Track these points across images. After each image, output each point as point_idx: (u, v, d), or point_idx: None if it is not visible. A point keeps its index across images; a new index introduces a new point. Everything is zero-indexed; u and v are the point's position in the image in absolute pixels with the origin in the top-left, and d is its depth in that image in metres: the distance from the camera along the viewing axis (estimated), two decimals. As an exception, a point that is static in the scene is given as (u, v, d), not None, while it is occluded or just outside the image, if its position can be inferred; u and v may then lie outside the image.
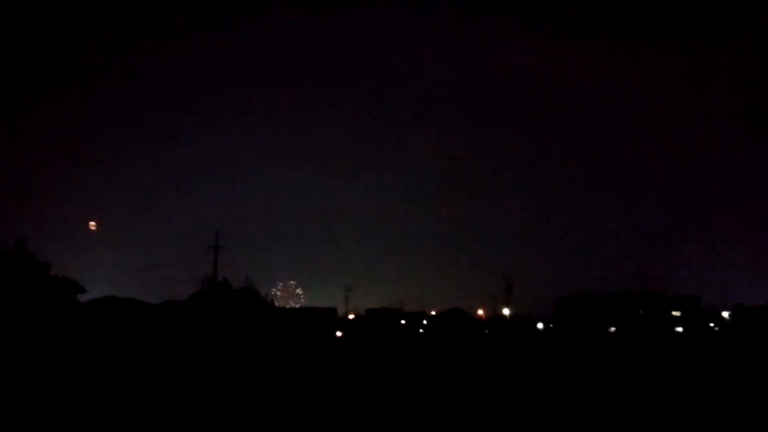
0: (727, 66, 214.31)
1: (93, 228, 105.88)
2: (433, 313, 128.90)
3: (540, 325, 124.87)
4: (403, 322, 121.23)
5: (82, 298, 58.34)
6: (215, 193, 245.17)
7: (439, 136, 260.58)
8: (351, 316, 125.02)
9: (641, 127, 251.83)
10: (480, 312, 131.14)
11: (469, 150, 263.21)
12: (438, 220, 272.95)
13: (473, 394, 20.41)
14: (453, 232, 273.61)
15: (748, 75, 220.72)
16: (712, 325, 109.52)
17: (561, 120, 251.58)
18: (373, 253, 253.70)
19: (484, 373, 29.73)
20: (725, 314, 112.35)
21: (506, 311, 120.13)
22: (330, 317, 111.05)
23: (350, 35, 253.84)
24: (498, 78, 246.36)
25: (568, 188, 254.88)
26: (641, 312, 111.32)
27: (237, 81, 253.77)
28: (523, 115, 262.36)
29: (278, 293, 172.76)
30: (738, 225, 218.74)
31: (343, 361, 38.90)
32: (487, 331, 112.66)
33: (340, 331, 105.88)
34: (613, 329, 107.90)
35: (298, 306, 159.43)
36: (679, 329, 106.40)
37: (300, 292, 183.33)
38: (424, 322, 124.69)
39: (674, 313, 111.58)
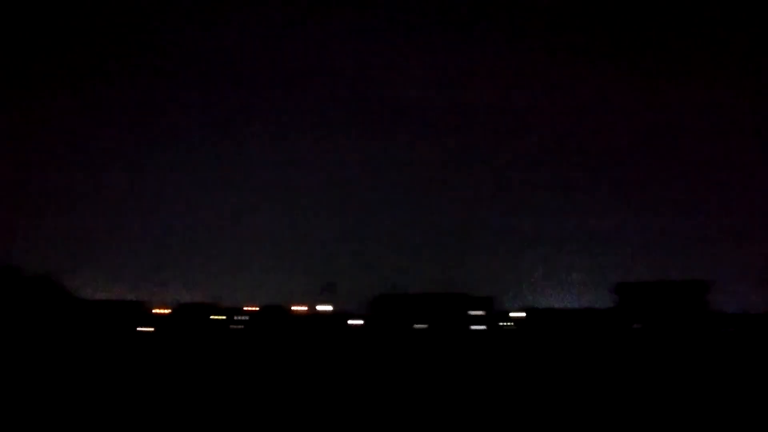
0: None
1: None
2: (251, 308, 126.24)
3: (354, 322, 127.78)
4: (217, 317, 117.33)
5: None
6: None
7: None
8: (164, 311, 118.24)
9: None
10: (299, 308, 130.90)
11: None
12: (266, 212, 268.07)
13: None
14: (281, 224, 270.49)
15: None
16: (508, 324, 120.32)
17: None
18: (192, 244, 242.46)
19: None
20: (520, 315, 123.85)
21: (325, 307, 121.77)
22: (135, 311, 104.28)
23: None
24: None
25: (389, 186, 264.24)
26: (446, 311, 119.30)
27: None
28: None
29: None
30: (533, 231, 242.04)
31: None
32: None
33: (148, 326, 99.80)
34: (421, 326, 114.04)
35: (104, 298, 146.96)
36: (480, 327, 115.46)
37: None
38: (239, 317, 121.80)
39: (475, 312, 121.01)
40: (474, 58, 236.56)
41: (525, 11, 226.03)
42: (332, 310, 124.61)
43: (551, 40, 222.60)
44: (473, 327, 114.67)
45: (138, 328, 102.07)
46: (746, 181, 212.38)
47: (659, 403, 18.14)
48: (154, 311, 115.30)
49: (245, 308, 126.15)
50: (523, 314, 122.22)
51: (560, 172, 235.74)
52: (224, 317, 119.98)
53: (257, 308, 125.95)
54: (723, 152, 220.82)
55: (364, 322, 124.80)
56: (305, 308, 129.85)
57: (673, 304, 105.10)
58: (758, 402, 18.68)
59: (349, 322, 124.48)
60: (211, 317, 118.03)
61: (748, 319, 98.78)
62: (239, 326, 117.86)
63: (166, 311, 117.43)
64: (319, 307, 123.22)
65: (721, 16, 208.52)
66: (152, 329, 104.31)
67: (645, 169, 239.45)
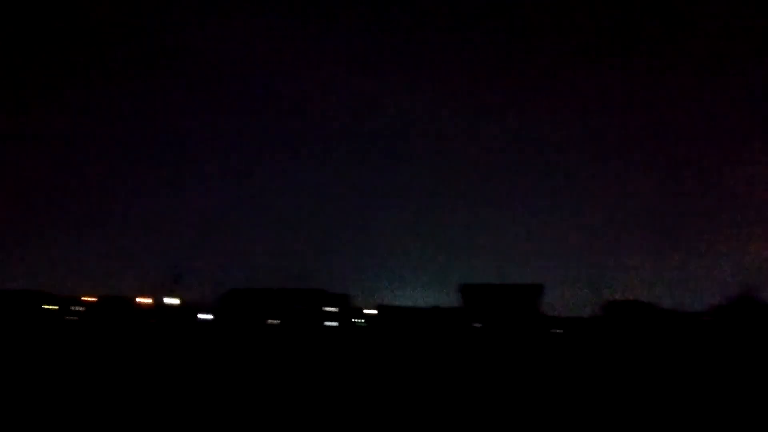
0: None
1: None
2: (89, 299, 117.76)
3: (204, 316, 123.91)
4: (49, 307, 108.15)
5: None
6: None
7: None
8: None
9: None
10: (143, 300, 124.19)
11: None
12: (111, 202, 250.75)
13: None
14: (126, 214, 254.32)
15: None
16: (360, 321, 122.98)
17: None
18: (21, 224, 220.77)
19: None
20: (372, 312, 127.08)
21: (172, 300, 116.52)
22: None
23: None
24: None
25: (244, 179, 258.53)
26: (300, 306, 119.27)
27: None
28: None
29: None
30: (386, 233, 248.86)
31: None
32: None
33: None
34: (274, 321, 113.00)
35: None
36: (334, 323, 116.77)
37: None
38: (76, 308, 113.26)
39: (329, 308, 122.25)
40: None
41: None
42: (180, 304, 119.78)
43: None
44: (327, 323, 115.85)
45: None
46: (577, 194, 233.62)
47: (492, 400, 19.58)
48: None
49: (83, 298, 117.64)
50: (375, 311, 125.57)
51: (404, 174, 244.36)
52: (57, 307, 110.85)
53: (95, 299, 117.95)
54: (556, 165, 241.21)
55: (214, 317, 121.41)
56: (150, 301, 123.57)
57: (511, 305, 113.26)
58: (583, 398, 20.76)
59: (199, 316, 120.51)
60: (44, 306, 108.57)
61: (575, 322, 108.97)
62: (74, 317, 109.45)
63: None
64: (167, 300, 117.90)
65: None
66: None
67: (487, 178, 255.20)
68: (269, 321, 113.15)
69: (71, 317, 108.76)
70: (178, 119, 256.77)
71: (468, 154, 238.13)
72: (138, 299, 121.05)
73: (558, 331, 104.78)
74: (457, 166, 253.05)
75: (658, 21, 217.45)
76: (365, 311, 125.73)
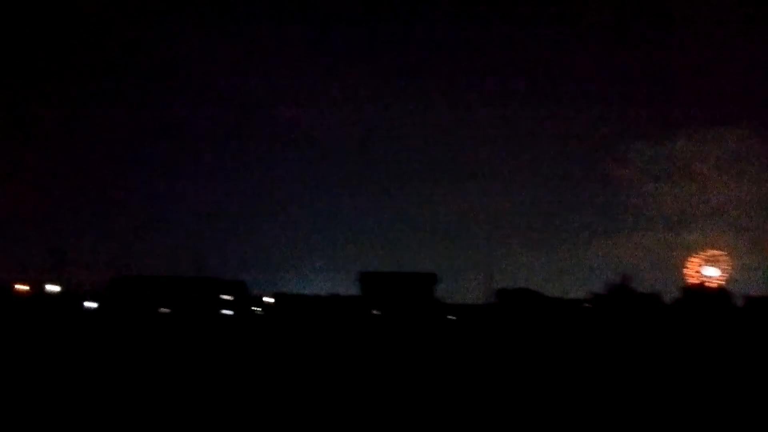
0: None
1: None
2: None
3: (89, 304, 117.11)
4: None
5: None
6: None
7: None
8: None
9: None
10: (21, 287, 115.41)
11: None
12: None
13: None
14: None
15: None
16: (257, 309, 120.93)
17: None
18: None
19: None
20: (270, 300, 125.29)
21: (53, 287, 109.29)
22: None
23: None
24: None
25: (136, 161, 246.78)
26: (195, 295, 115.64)
27: None
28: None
29: None
30: (285, 220, 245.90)
31: None
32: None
33: None
34: (165, 310, 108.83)
35: None
36: (229, 312, 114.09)
37: None
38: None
39: (225, 297, 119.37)
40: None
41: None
42: (62, 291, 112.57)
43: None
44: (224, 312, 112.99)
45: None
46: (471, 186, 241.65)
47: (389, 384, 20.06)
48: None
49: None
50: (272, 300, 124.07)
51: (301, 159, 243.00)
52: None
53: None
54: (452, 157, 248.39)
55: (100, 305, 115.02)
56: (28, 287, 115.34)
57: (408, 293, 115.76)
58: (475, 380, 21.75)
59: (85, 304, 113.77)
60: None
61: (468, 309, 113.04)
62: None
63: None
64: (48, 287, 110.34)
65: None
66: None
67: (384, 166, 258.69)
68: (161, 310, 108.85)
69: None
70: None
71: (364, 141, 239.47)
72: (16, 286, 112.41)
73: (452, 317, 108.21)
74: (354, 153, 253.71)
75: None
76: (264, 299, 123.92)
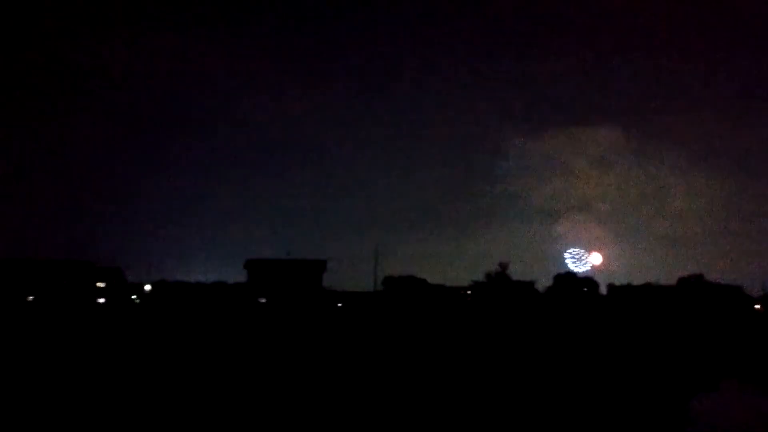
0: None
1: None
2: None
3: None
4: None
5: None
6: None
7: None
8: None
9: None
10: None
11: None
12: None
13: None
14: None
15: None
16: (134, 297, 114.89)
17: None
18: None
19: None
20: (148, 287, 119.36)
21: None
22: None
23: None
24: None
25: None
26: (65, 281, 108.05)
27: None
28: None
29: None
30: (168, 203, 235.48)
31: None
32: None
33: None
34: (31, 297, 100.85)
35: None
36: (102, 300, 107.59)
37: None
38: None
39: (99, 284, 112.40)
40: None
41: None
42: None
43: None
44: (99, 300, 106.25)
45: None
46: (359, 174, 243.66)
47: (275, 369, 19.99)
48: None
49: None
50: (149, 287, 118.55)
51: (186, 140, 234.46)
52: None
53: None
54: (338, 144, 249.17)
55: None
56: None
57: (296, 280, 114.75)
58: (361, 362, 22.03)
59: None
60: None
61: (356, 296, 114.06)
62: None
63: None
64: None
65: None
66: None
67: (272, 151, 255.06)
68: (29, 298, 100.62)
69: None
70: None
71: (257, 128, 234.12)
72: None
73: (339, 304, 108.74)
74: (242, 137, 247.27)
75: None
76: (146, 287, 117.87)
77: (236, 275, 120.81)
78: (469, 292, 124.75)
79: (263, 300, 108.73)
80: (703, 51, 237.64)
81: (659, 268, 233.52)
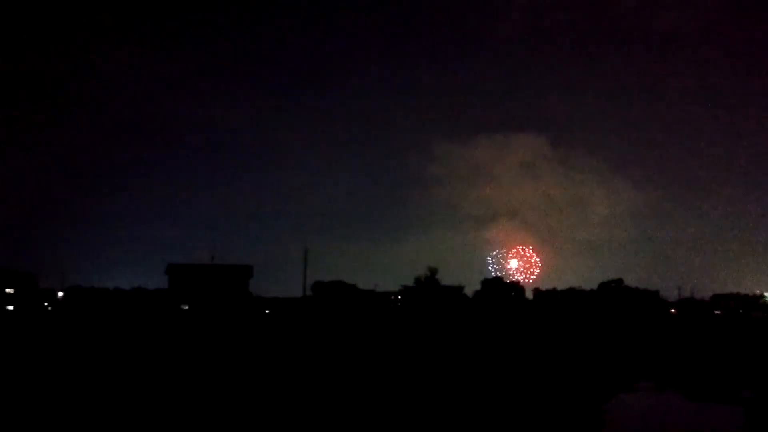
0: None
1: None
2: None
3: None
4: None
5: None
6: None
7: None
8: None
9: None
10: None
11: None
12: None
13: None
14: None
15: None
16: (48, 304, 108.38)
17: None
18: None
19: None
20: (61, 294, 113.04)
21: None
22: None
23: None
24: None
25: None
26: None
27: None
28: None
29: None
30: (81, 205, 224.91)
31: None
32: None
33: None
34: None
35: None
36: (11, 307, 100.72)
37: None
38: None
39: (8, 290, 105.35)
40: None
41: None
42: None
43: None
44: (8, 307, 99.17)
45: None
46: (287, 179, 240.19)
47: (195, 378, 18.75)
48: None
49: None
50: (61, 294, 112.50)
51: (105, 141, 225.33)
52: None
53: None
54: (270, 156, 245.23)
55: None
56: None
57: (220, 286, 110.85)
58: (288, 374, 20.83)
59: None
60: None
61: (284, 302, 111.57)
62: None
63: None
64: None
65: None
66: None
67: (195, 154, 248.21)
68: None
69: None
70: None
71: (180, 131, 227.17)
72: None
73: (267, 311, 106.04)
74: (164, 139, 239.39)
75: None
76: (59, 294, 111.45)
77: (157, 281, 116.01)
78: (399, 297, 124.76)
79: (185, 307, 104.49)
80: (627, 62, 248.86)
81: (582, 273, 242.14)
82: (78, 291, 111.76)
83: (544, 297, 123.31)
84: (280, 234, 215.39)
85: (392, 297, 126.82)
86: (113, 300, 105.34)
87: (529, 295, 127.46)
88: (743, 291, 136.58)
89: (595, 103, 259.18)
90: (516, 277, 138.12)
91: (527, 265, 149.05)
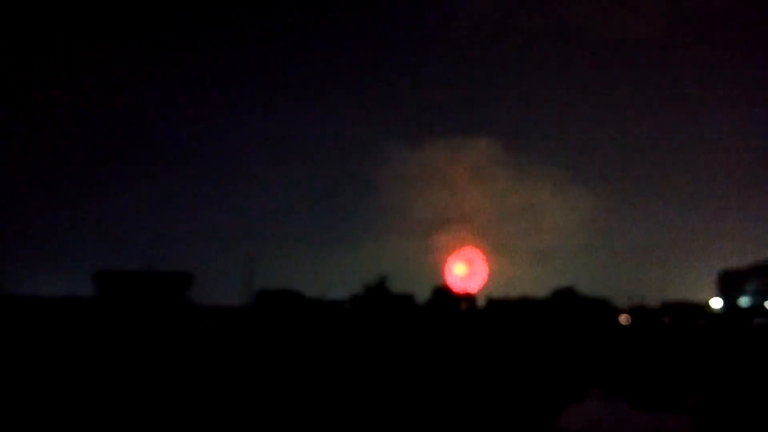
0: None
1: None
2: None
3: None
4: None
5: None
6: None
7: None
8: None
9: None
10: None
11: None
12: None
13: None
14: None
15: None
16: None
17: None
18: None
19: None
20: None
21: None
22: None
23: None
24: None
25: None
26: None
27: None
28: None
29: None
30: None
31: None
32: None
33: None
34: None
35: None
36: None
37: None
38: None
39: None
40: None
41: None
42: None
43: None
44: None
45: None
46: (228, 184, 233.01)
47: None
48: None
49: None
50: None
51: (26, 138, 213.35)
52: None
53: None
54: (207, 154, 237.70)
55: None
56: None
57: (157, 294, 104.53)
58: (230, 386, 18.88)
59: None
60: None
61: (226, 311, 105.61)
62: None
63: None
64: None
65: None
66: None
67: (130, 157, 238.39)
68: None
69: None
70: None
71: (111, 129, 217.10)
72: None
73: (208, 321, 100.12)
74: (94, 136, 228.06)
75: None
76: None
77: (86, 289, 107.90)
78: (348, 306, 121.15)
79: (118, 317, 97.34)
80: (582, 69, 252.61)
81: (535, 281, 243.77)
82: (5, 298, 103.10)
83: (496, 305, 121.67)
84: (223, 240, 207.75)
85: (341, 306, 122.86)
86: (35, 308, 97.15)
87: (481, 303, 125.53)
88: (691, 298, 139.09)
89: (550, 110, 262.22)
90: (467, 285, 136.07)
91: (479, 273, 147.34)
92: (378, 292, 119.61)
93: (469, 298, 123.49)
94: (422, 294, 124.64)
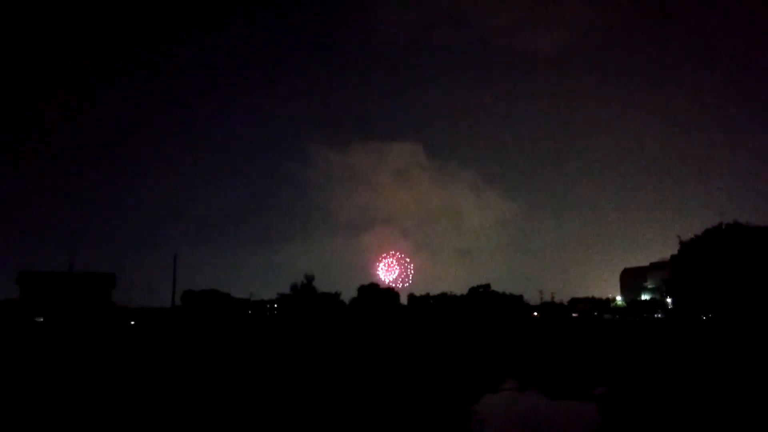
0: None
1: None
2: None
3: None
4: None
5: None
6: None
7: None
8: None
9: None
10: None
11: None
12: None
13: None
14: None
15: None
16: None
17: None
18: None
19: None
20: None
21: None
22: None
23: None
24: None
25: None
26: None
27: None
28: None
29: None
30: None
31: None
32: None
33: None
34: None
35: None
36: None
37: None
38: None
39: None
40: None
41: None
42: None
43: None
44: None
45: None
46: (152, 185, 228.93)
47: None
48: None
49: None
50: None
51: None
52: None
53: None
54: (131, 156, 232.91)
55: None
56: None
57: (79, 296, 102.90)
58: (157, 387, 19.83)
59: None
60: None
61: (151, 313, 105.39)
62: None
63: None
64: None
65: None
66: None
67: (57, 158, 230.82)
68: None
69: None
70: None
71: (36, 127, 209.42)
72: None
73: (132, 322, 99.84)
74: (19, 137, 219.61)
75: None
76: None
77: (8, 291, 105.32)
78: (275, 305, 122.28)
79: (40, 319, 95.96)
80: (496, 79, 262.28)
81: (454, 279, 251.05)
82: None
83: (418, 302, 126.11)
84: (148, 241, 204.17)
85: (268, 305, 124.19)
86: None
87: (404, 300, 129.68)
88: (597, 295, 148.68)
89: (468, 117, 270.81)
90: (391, 283, 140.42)
91: (401, 271, 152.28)
92: (305, 292, 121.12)
93: (392, 296, 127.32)
94: (348, 293, 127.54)
